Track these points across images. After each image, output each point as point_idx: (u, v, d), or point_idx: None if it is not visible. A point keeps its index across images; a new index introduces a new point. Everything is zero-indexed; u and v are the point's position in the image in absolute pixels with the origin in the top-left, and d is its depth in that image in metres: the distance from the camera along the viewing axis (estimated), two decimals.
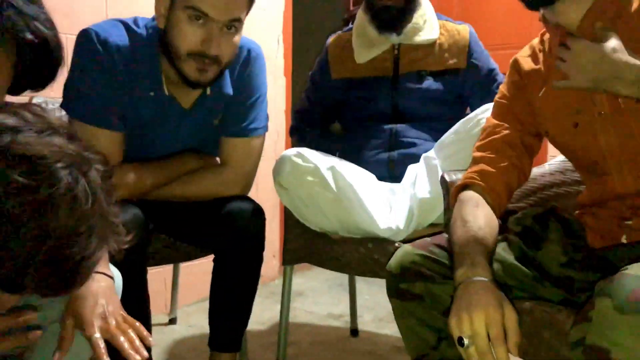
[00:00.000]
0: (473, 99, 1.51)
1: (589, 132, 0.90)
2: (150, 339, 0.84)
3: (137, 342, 0.82)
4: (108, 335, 0.82)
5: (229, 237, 1.24)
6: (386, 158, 1.45)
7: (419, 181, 1.34)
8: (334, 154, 1.45)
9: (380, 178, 1.42)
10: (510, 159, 0.97)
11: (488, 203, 0.94)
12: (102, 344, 0.80)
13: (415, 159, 1.41)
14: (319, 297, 2.18)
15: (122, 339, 0.82)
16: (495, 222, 0.92)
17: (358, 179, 1.31)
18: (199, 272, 1.61)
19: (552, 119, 0.95)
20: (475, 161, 0.99)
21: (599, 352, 0.66)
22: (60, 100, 1.21)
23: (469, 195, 0.95)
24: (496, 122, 1.01)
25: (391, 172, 1.43)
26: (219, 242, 1.26)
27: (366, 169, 1.42)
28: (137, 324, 0.85)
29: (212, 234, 1.26)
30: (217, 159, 1.36)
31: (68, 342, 0.82)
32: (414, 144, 1.45)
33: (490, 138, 1.00)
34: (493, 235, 0.89)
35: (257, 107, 1.31)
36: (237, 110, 1.29)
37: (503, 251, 0.91)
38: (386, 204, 1.34)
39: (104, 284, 0.87)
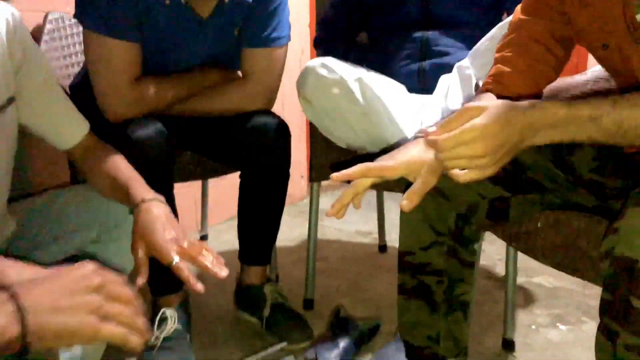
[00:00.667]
0: (510, 3, 1.39)
1: (620, 55, 0.81)
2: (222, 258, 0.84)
3: (216, 261, 0.82)
4: (187, 258, 0.82)
5: (254, 152, 1.23)
6: (416, 69, 1.37)
7: (452, 92, 1.28)
8: (361, 66, 1.38)
9: (411, 90, 1.35)
10: (533, 54, 0.88)
11: None
12: (185, 268, 0.80)
13: (447, 69, 1.33)
14: (347, 216, 2.15)
15: (201, 258, 0.82)
16: None
17: (387, 91, 1.25)
18: (228, 189, 1.62)
19: (581, 29, 0.85)
20: (495, 63, 0.91)
21: (626, 262, 0.64)
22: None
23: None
24: (522, 17, 0.90)
25: (422, 84, 1.36)
26: (244, 157, 1.26)
27: (395, 80, 1.35)
28: (205, 244, 0.85)
29: (237, 149, 1.26)
30: (239, 72, 1.32)
31: (145, 269, 0.83)
32: (446, 53, 1.37)
33: (511, 35, 0.90)
34: None
35: (278, 15, 1.26)
36: (258, 18, 1.24)
37: (536, 153, 0.87)
38: (416, 118, 1.29)
39: (164, 209, 0.87)
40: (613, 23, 0.79)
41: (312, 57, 2.18)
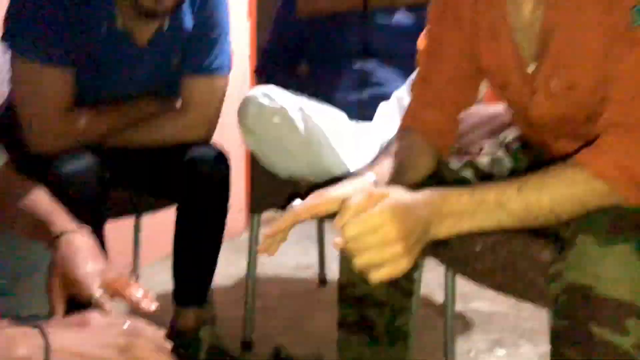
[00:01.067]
0: None
1: (517, 98, 0.85)
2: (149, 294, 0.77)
3: (145, 295, 0.75)
4: (111, 292, 0.74)
5: (193, 185, 1.19)
6: (356, 99, 1.41)
7: (390, 121, 1.31)
8: (301, 95, 1.39)
9: (351, 118, 1.38)
10: (445, 92, 0.90)
11: (430, 145, 0.89)
12: (108, 304, 0.72)
13: (386, 98, 1.37)
14: (287, 249, 2.12)
15: (128, 291, 0.74)
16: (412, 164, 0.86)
17: (328, 120, 1.27)
18: (162, 226, 1.55)
19: (484, 68, 0.88)
20: (411, 98, 0.93)
21: (580, 289, 0.64)
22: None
23: (404, 142, 0.88)
24: (429, 57, 0.91)
25: (361, 114, 1.39)
26: (181, 190, 1.21)
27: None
28: (133, 279, 0.78)
29: (174, 182, 1.21)
30: (178, 103, 1.28)
31: (61, 308, 0.75)
32: (384, 84, 1.41)
33: (422, 74, 0.93)
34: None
35: (220, 44, 1.25)
36: (198, 46, 1.22)
37: (471, 177, 0.89)
38: (357, 146, 1.30)
39: (87, 241, 0.80)
40: (509, 72, 0.83)
41: (252, 87, 2.18)
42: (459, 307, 1.61)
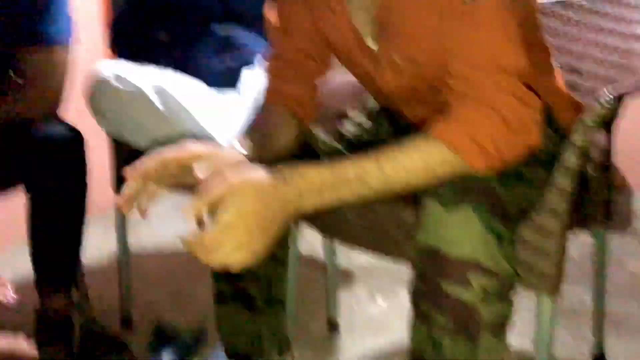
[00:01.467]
0: None
1: (363, 71, 0.88)
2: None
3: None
4: None
5: (43, 167, 1.09)
6: (220, 65, 1.35)
7: (256, 87, 1.28)
8: (161, 65, 1.30)
9: (216, 85, 1.32)
10: (301, 66, 0.90)
11: (292, 116, 0.89)
12: None
13: (251, 64, 1.34)
14: (165, 222, 2.08)
15: None
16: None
17: (189, 94, 1.21)
18: (15, 209, 1.41)
19: (331, 43, 0.89)
20: (268, 74, 0.93)
21: (429, 251, 0.70)
22: None
23: (266, 116, 0.89)
24: (281, 35, 0.92)
25: (226, 80, 1.34)
26: (30, 174, 1.11)
27: (198, 78, 1.31)
28: None
29: (21, 165, 1.10)
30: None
31: None
32: (248, 49, 1.37)
33: (276, 50, 0.93)
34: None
35: (54, 10, 1.13)
36: (27, 11, 1.10)
37: (339, 146, 0.91)
38: (223, 117, 1.26)
39: None
40: (350, 48, 0.85)
41: (106, 59, 2.02)
42: (341, 262, 1.67)
